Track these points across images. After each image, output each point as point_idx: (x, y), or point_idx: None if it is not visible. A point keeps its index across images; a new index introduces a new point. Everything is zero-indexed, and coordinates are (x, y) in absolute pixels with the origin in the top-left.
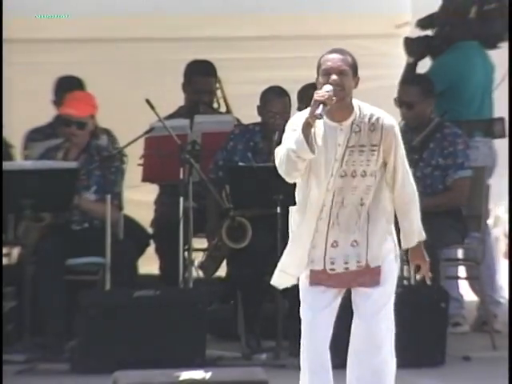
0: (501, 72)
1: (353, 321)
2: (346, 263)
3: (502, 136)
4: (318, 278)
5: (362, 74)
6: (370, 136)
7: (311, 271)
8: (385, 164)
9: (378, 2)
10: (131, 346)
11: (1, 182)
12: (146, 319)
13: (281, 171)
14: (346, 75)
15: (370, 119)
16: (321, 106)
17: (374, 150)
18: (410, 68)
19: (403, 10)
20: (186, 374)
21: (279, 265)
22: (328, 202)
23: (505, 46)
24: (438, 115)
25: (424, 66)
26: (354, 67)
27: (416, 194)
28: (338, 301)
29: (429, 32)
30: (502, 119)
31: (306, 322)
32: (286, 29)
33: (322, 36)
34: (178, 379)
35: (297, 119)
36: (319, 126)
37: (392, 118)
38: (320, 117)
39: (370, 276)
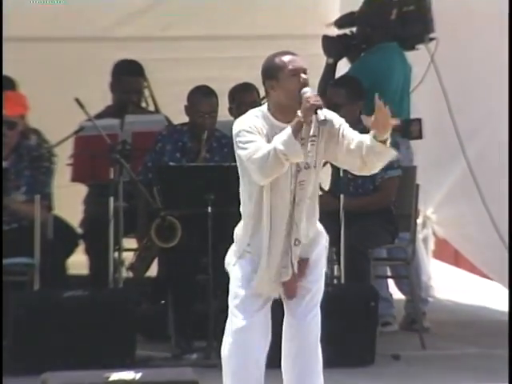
0: (416, 73)
1: (285, 320)
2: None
3: (418, 137)
4: (293, 289)
5: None
6: (307, 128)
7: (284, 284)
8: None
9: (308, 1)
10: (60, 346)
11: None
12: (75, 320)
13: (259, 171)
14: (307, 74)
15: None
16: (318, 110)
17: (313, 141)
18: (330, 69)
19: (333, 9)
20: (115, 375)
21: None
22: (290, 202)
23: (422, 47)
24: (368, 116)
25: (341, 67)
26: None
27: None
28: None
29: (347, 31)
30: (419, 120)
31: (239, 325)
32: (217, 29)
33: (253, 36)
34: (107, 380)
35: (249, 123)
36: (269, 128)
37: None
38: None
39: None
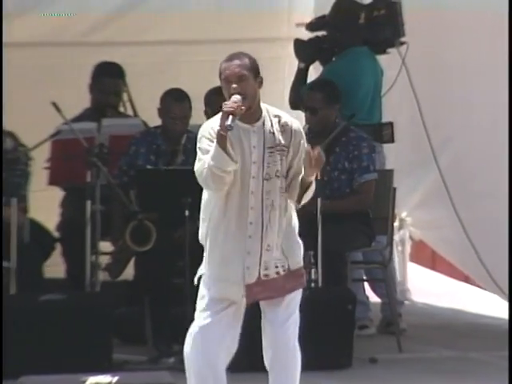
0: (388, 77)
1: (262, 326)
2: (277, 267)
3: (389, 141)
4: (253, 293)
5: (266, 79)
6: (281, 137)
7: (246, 287)
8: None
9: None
10: (37, 350)
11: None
12: (52, 323)
13: (208, 188)
14: (247, 80)
15: (279, 121)
16: (230, 116)
17: (284, 150)
18: (301, 73)
19: (308, 12)
20: (92, 379)
21: (212, 276)
22: (256, 205)
23: (393, 51)
24: (345, 118)
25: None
26: (253, 69)
27: None
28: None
29: (319, 35)
30: (390, 124)
31: (197, 326)
32: (193, 33)
33: (230, 40)
34: (84, 383)
35: (209, 127)
36: (233, 130)
37: (298, 122)
38: (230, 128)
39: (295, 280)
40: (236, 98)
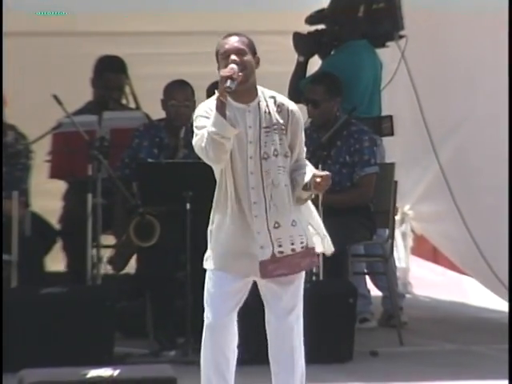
0: (387, 70)
1: (266, 319)
2: (292, 244)
3: (389, 134)
4: (268, 270)
5: (272, 70)
6: (278, 116)
7: (260, 264)
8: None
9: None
10: (38, 343)
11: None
12: (53, 317)
13: (208, 159)
14: (245, 54)
15: (275, 101)
16: (228, 80)
17: (283, 129)
18: (301, 67)
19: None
20: (93, 372)
21: (223, 253)
22: (257, 184)
23: (392, 44)
24: (346, 111)
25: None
26: (251, 47)
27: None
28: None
29: (318, 28)
30: (390, 117)
31: (211, 323)
32: (198, 24)
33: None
34: (85, 377)
35: (205, 107)
36: (228, 109)
37: (293, 103)
38: (230, 89)
39: (310, 258)
40: (231, 65)
